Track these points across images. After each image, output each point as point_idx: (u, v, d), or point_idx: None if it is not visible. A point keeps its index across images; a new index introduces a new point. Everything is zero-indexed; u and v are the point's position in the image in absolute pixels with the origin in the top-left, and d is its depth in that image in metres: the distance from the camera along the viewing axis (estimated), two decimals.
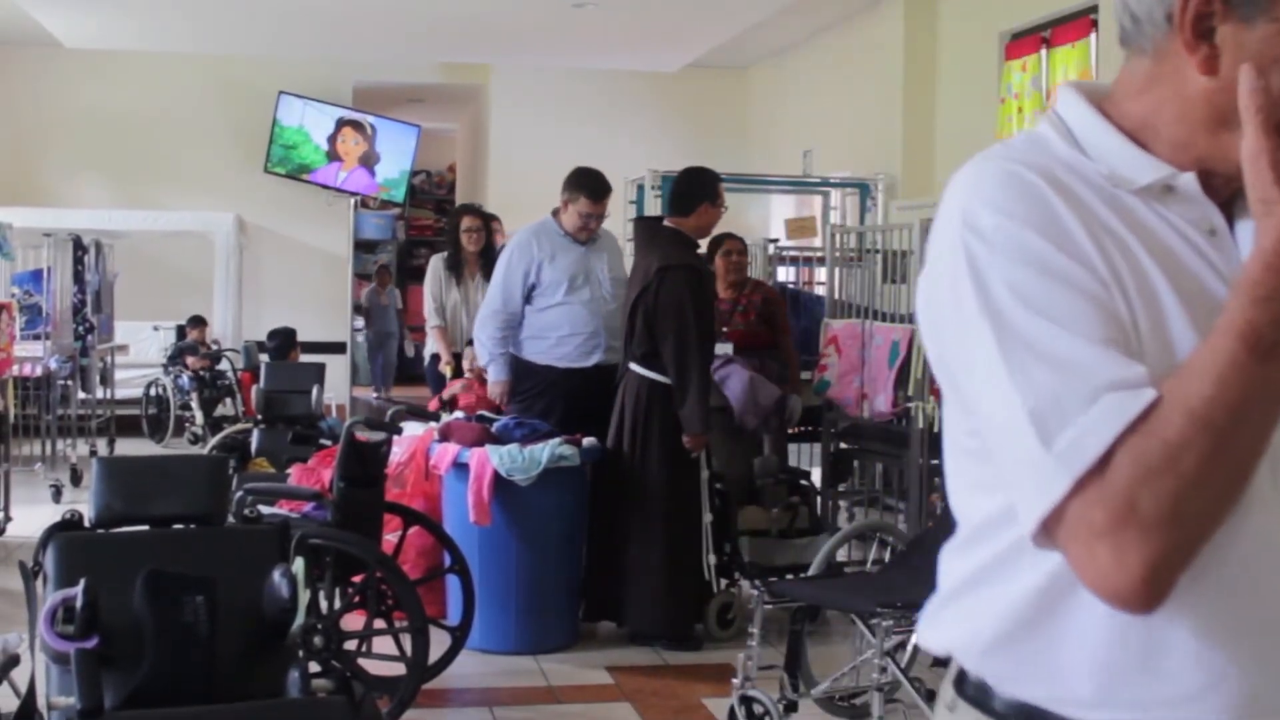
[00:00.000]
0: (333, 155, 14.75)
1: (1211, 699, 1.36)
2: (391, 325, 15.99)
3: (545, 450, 6.03)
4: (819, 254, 9.80)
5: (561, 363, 6.75)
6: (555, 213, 6.86)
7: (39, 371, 10.35)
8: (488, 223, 8.99)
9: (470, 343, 8.52)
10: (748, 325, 7.41)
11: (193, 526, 3.78)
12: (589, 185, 6.73)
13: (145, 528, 3.76)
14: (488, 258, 8.76)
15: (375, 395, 14.26)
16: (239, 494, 4.73)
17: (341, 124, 14.81)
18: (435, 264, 8.87)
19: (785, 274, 10.00)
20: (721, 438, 6.63)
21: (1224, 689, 1.36)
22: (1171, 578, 1.26)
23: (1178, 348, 1.33)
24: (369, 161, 14.85)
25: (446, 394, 8.16)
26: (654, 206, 9.94)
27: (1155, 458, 1.24)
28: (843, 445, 7.14)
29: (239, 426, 9.36)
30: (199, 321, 13.52)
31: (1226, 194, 1.42)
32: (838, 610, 5.55)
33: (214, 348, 13.32)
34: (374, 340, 15.85)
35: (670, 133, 14.74)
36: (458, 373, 8.56)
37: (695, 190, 6.38)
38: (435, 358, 8.84)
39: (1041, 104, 9.64)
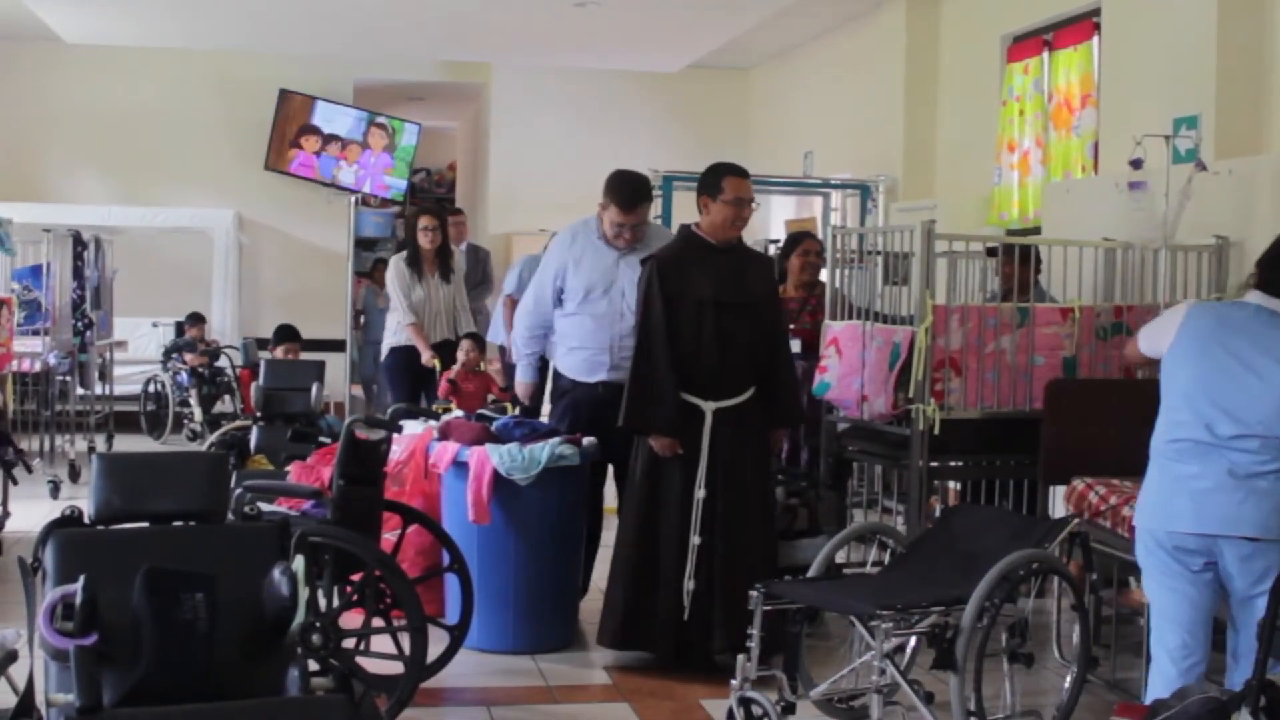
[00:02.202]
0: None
1: None
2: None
3: (545, 449, 6.02)
4: None
5: (570, 373, 6.51)
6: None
7: (38, 367, 10.35)
8: (444, 222, 9.12)
9: (467, 336, 8.63)
10: (815, 325, 7.49)
11: (192, 524, 3.77)
12: (620, 194, 6.33)
13: (145, 524, 3.75)
14: (444, 256, 8.94)
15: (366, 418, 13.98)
16: (238, 491, 4.73)
17: (371, 124, 14.93)
18: (398, 264, 9.06)
19: None
20: None
21: None
22: None
23: None
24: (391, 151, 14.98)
25: (452, 373, 8.27)
26: (655, 207, 9.93)
27: None
28: (843, 447, 7.12)
29: (238, 424, 9.34)
30: (198, 319, 13.51)
31: None
32: (837, 612, 5.54)
33: (211, 345, 13.31)
34: (366, 348, 13.80)
35: (671, 133, 14.74)
36: (445, 365, 8.63)
37: (699, 185, 6.07)
38: (396, 352, 8.94)
39: (1043, 106, 9.63)
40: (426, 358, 8.80)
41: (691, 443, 5.80)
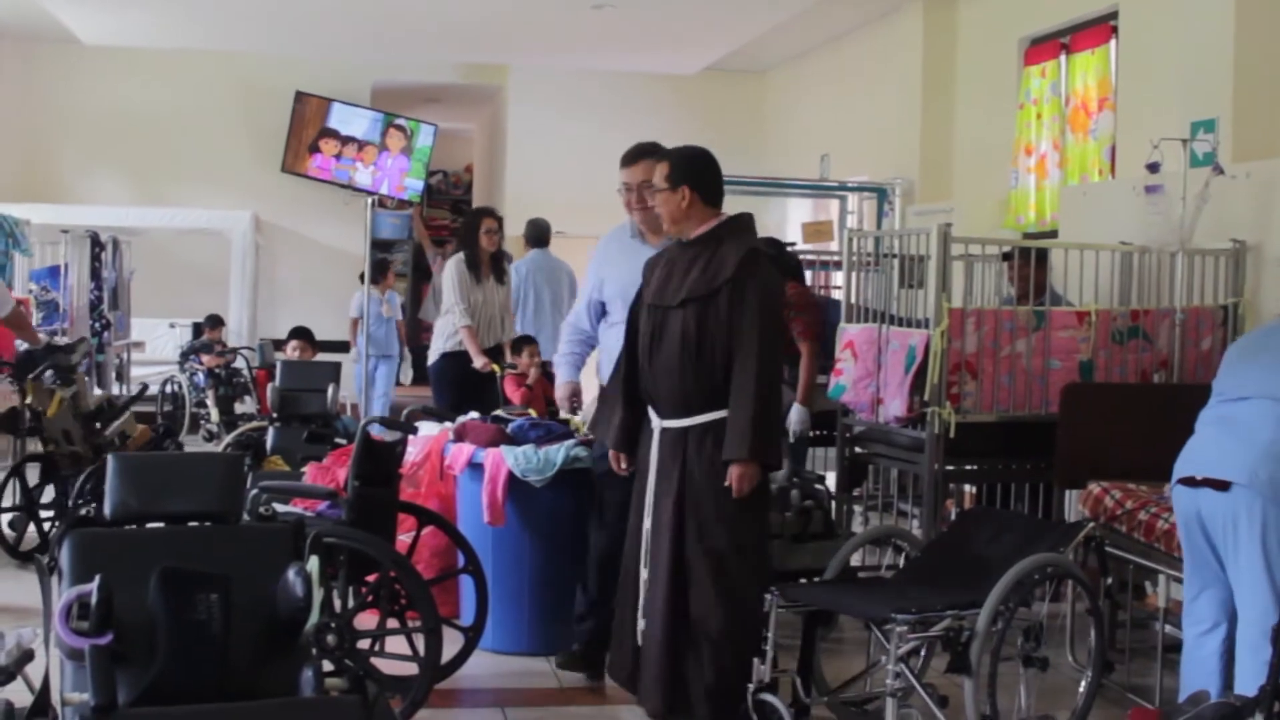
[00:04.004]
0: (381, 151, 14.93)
1: None
2: (391, 344, 13.00)
3: (560, 451, 6.01)
4: (835, 258, 9.79)
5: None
6: None
7: None
8: (503, 225, 9.06)
9: (530, 341, 8.58)
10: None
11: (207, 524, 3.78)
12: (623, 154, 5.86)
13: (160, 525, 3.76)
14: (498, 258, 8.87)
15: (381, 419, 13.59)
16: (254, 492, 4.74)
17: (389, 126, 14.93)
18: (459, 265, 8.82)
19: None
20: None
21: None
22: None
23: None
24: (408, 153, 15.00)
25: (530, 379, 8.22)
26: None
27: None
28: (858, 450, 7.12)
29: (254, 424, 9.37)
30: (217, 321, 13.53)
31: None
32: (851, 615, 5.53)
33: (225, 347, 13.33)
34: (370, 362, 12.22)
35: (688, 135, 14.51)
36: (502, 369, 8.59)
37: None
38: (449, 358, 8.84)
39: (1060, 110, 9.61)
40: (481, 364, 8.60)
41: (643, 463, 5.17)
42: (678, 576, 4.92)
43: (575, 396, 6.11)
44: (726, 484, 4.84)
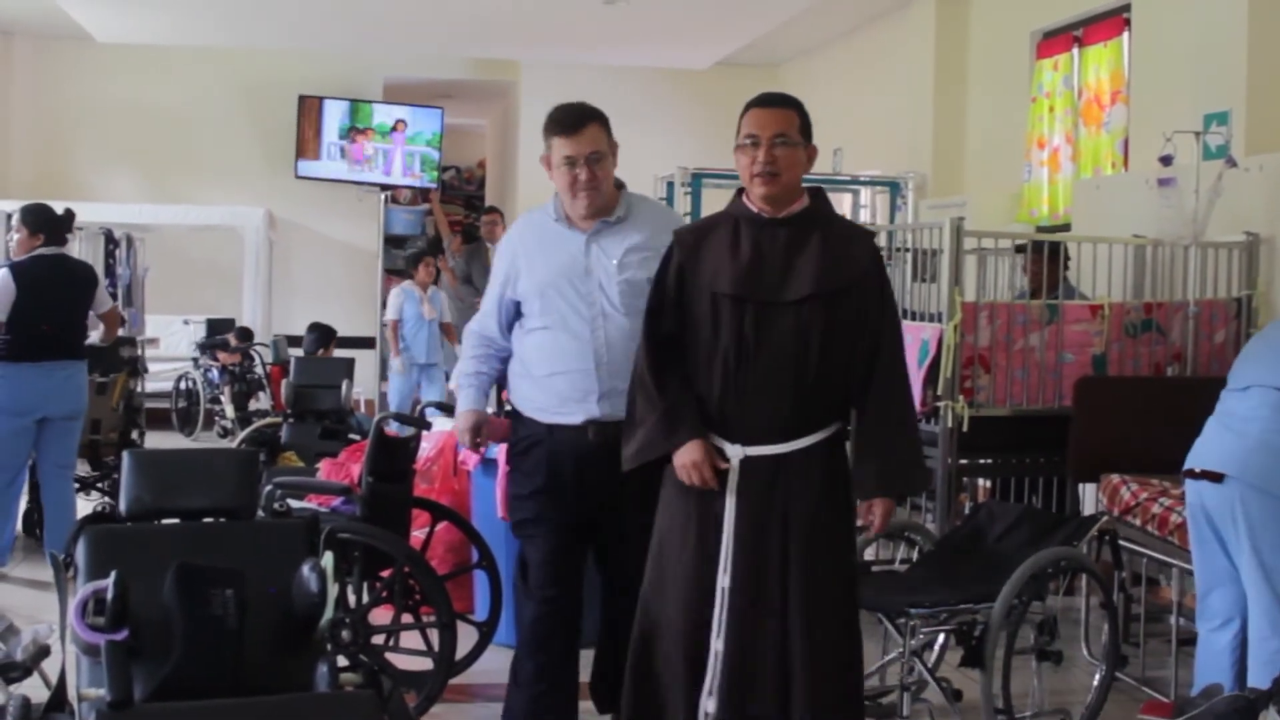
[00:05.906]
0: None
1: None
2: (435, 350, 11.72)
3: None
4: None
5: (541, 414, 4.51)
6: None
7: None
8: None
9: None
10: None
11: (222, 520, 3.79)
12: (559, 121, 4.57)
13: (176, 521, 3.77)
14: None
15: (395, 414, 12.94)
16: (268, 488, 4.75)
17: (397, 120, 14.92)
18: None
19: None
20: None
21: None
22: None
23: None
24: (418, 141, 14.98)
25: None
26: (684, 204, 9.93)
27: None
28: None
29: (268, 420, 9.41)
30: (246, 334, 13.47)
31: None
32: (866, 609, 5.53)
33: (239, 343, 13.36)
34: (407, 369, 11.55)
35: (700, 130, 14.71)
36: None
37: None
38: None
39: (1073, 103, 9.60)
40: None
41: (705, 506, 3.99)
42: (787, 640, 3.91)
43: (479, 430, 4.70)
44: (858, 522, 4.02)
